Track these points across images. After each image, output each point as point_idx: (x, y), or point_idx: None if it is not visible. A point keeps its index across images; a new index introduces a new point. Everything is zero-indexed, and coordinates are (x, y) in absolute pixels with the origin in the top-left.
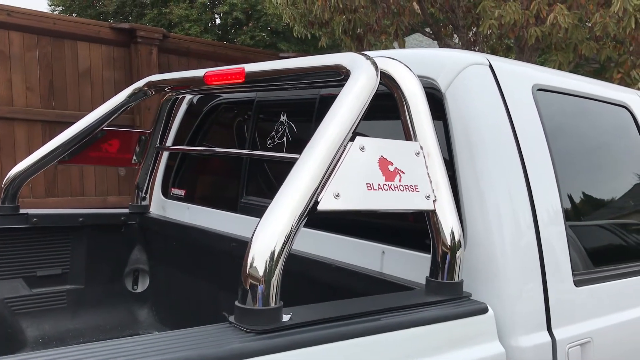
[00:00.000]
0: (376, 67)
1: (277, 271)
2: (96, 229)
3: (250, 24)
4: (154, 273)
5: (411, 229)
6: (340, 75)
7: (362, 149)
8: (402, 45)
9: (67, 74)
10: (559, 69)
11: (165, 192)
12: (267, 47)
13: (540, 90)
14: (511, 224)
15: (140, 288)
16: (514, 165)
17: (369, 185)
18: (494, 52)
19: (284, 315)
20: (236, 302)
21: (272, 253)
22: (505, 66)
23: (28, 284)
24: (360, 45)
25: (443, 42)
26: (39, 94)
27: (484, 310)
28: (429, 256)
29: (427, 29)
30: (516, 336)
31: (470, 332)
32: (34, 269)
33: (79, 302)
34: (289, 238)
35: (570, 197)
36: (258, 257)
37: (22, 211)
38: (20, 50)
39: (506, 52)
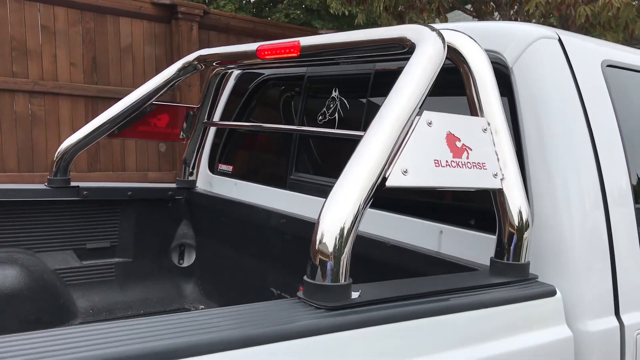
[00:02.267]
0: (443, 40)
1: (347, 248)
2: (144, 203)
3: (285, 2)
4: (200, 248)
5: (471, 208)
6: (403, 48)
7: (429, 124)
8: (445, 22)
9: (109, 50)
10: None
11: (212, 168)
12: (301, 25)
13: (610, 66)
14: (580, 204)
15: (186, 263)
16: (583, 144)
17: (436, 161)
18: None
19: (353, 293)
20: (305, 277)
21: (342, 229)
22: (575, 41)
23: (78, 255)
24: (401, 22)
25: (484, 19)
26: (82, 69)
27: (552, 293)
28: (488, 236)
29: (468, 6)
30: (584, 320)
31: (539, 315)
32: (83, 242)
33: (127, 275)
34: (358, 214)
35: (639, 177)
36: (327, 233)
37: (72, 184)
38: (64, 25)
39: None
